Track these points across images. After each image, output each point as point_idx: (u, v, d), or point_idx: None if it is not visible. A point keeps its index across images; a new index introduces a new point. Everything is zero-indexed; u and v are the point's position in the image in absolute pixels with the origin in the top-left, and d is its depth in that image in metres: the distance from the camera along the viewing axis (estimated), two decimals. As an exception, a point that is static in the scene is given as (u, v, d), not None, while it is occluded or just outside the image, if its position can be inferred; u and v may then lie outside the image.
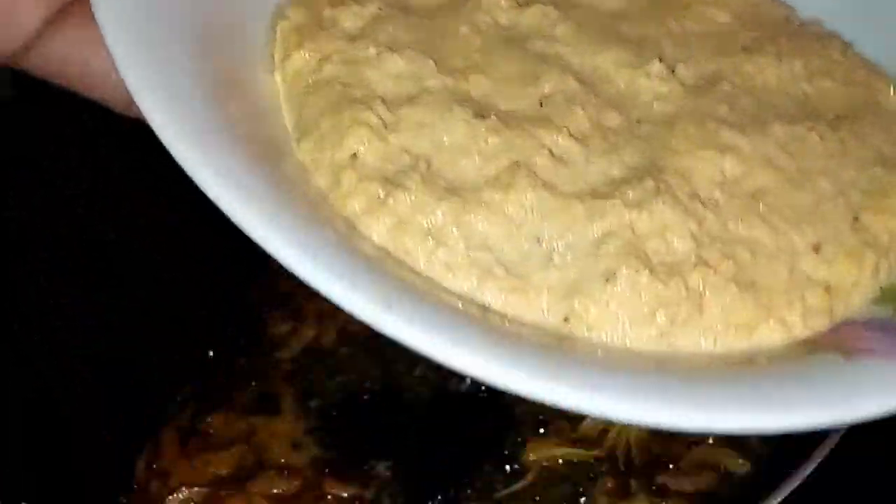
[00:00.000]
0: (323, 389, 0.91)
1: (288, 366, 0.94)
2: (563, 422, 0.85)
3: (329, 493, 0.82)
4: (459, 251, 0.46)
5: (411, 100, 0.50)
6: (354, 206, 0.46)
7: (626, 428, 0.82)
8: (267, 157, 0.46)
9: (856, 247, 0.50)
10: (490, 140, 0.49)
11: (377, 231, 0.46)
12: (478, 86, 0.52)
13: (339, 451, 0.86)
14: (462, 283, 0.45)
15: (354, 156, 0.47)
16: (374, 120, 0.48)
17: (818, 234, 0.50)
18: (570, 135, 0.50)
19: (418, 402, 0.90)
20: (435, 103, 0.49)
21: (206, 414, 0.88)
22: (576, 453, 0.82)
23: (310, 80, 0.51)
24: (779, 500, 0.66)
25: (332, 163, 0.47)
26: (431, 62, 0.51)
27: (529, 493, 0.80)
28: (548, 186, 0.47)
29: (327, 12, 0.55)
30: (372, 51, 0.51)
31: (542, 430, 0.85)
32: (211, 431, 0.87)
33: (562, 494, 0.80)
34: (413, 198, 0.46)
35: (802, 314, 0.47)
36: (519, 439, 0.84)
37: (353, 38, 0.52)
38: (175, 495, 0.82)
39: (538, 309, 0.45)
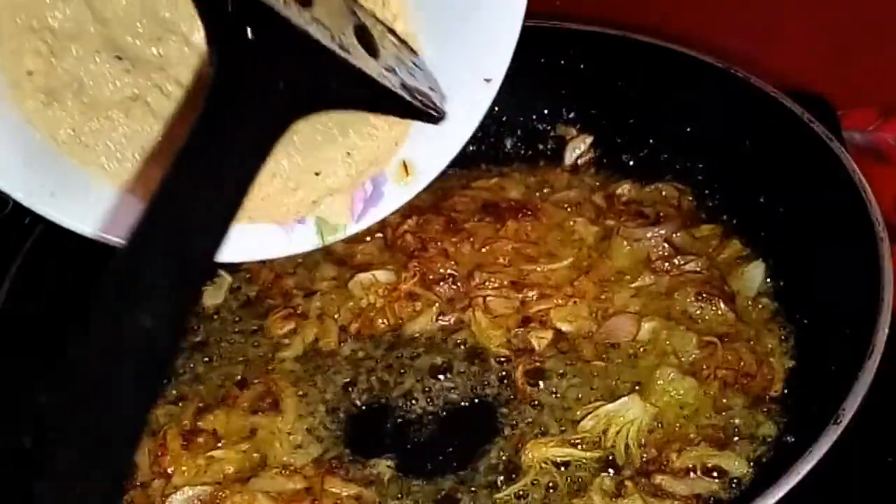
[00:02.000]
0: (324, 389, 0.92)
1: (289, 365, 0.95)
2: (562, 424, 0.86)
3: (331, 492, 0.82)
4: (88, 143, 0.72)
5: (73, 37, 0.69)
6: (28, 106, 0.69)
7: (624, 429, 0.83)
8: None
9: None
10: (122, 78, 0.71)
11: (39, 126, 0.70)
12: (122, 36, 0.69)
13: (340, 451, 0.86)
14: (79, 159, 0.73)
15: (30, 72, 0.69)
16: (44, 49, 0.68)
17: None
18: (176, 81, 0.71)
19: (419, 402, 0.90)
20: (90, 43, 0.69)
21: (209, 413, 0.89)
22: (574, 454, 0.83)
23: (3, 4, 0.68)
24: (775, 500, 0.66)
25: (15, 72, 0.68)
26: (90, 13, 0.68)
27: (528, 493, 0.81)
28: (154, 113, 0.72)
29: None
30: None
31: (541, 432, 0.85)
32: (213, 431, 0.88)
33: (560, 495, 0.81)
34: (67, 107, 0.70)
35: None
36: (518, 440, 0.85)
37: None
38: (178, 494, 0.83)
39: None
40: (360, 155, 0.76)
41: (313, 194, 0.77)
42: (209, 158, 0.56)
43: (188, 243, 0.53)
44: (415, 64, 0.74)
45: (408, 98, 0.69)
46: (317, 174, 0.76)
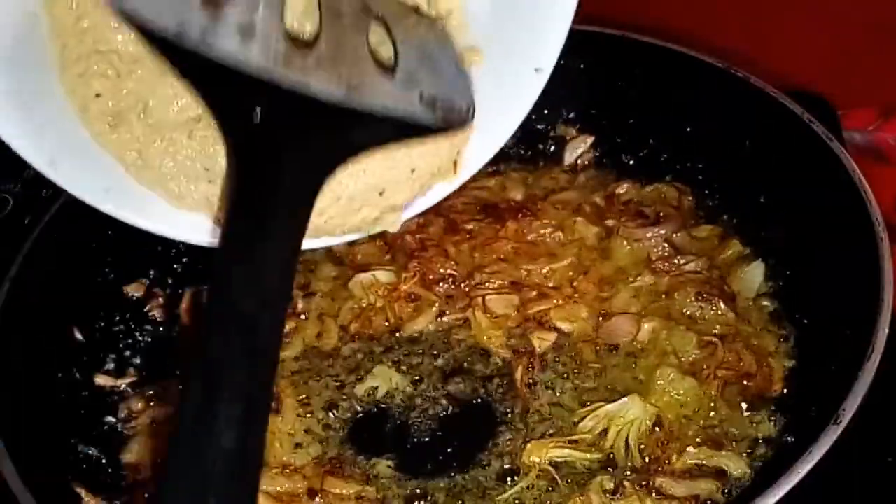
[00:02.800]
0: (324, 389, 0.92)
1: (289, 365, 0.94)
2: (562, 424, 0.86)
3: (330, 492, 0.82)
4: (153, 165, 0.73)
5: (138, 60, 0.70)
6: (95, 128, 0.70)
7: (624, 430, 0.83)
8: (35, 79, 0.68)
9: None
10: (186, 98, 0.71)
11: (108, 148, 0.71)
12: None
13: (340, 451, 0.86)
14: (145, 181, 0.73)
15: (98, 94, 0.70)
16: (111, 72, 0.69)
17: None
18: None
19: (419, 402, 0.90)
20: (154, 65, 0.70)
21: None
22: (574, 455, 0.83)
23: (70, 28, 0.69)
24: (775, 500, 0.66)
25: (83, 96, 0.70)
26: None
27: (528, 493, 0.81)
28: (216, 136, 0.72)
29: None
30: (114, 23, 0.69)
31: (541, 432, 0.85)
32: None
33: (560, 495, 0.81)
34: (132, 129, 0.71)
35: None
36: (519, 441, 0.85)
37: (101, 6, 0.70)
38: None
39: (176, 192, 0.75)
40: (423, 170, 0.76)
41: (375, 212, 0.76)
42: (252, 236, 0.59)
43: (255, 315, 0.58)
44: (441, 47, 0.73)
45: (429, 119, 0.68)
46: (381, 194, 0.75)
